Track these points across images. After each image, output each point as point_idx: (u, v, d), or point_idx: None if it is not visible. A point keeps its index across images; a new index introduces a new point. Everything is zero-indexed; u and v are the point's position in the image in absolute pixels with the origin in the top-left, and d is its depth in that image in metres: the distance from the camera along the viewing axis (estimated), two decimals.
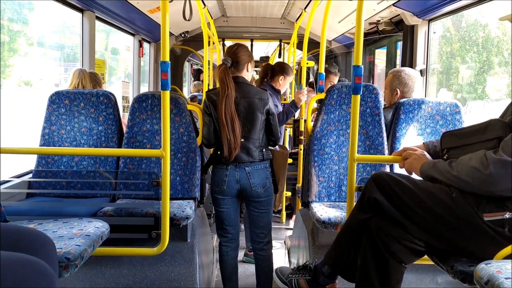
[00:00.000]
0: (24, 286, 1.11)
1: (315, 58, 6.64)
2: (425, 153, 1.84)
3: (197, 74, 9.68)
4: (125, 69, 6.72)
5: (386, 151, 2.81)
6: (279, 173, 2.85)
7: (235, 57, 2.63)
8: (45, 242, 1.40)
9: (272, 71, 3.89)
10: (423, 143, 1.98)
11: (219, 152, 2.65)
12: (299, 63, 6.78)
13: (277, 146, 2.97)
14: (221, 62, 2.64)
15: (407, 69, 3.02)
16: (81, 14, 3.83)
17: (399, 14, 3.79)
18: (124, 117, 4.05)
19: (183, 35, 6.22)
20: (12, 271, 1.11)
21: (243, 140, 2.60)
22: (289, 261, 3.55)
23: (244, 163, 2.62)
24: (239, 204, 2.80)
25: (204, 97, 4.61)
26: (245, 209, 2.99)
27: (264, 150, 2.69)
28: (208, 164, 2.85)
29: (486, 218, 1.52)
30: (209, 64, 4.74)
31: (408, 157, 1.85)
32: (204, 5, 3.98)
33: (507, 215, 1.51)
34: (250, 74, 2.73)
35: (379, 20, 4.19)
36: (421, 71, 3.73)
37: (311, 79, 6.08)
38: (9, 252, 1.18)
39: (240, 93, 2.58)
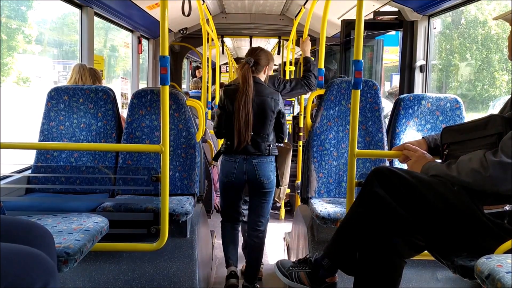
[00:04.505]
0: (24, 277, 1.10)
1: (314, 54, 6.63)
2: (425, 153, 1.85)
3: (193, 71, 9.66)
4: (123, 66, 6.71)
5: (386, 147, 2.81)
6: (282, 167, 3.09)
7: (257, 59, 2.84)
8: (44, 234, 1.39)
9: None
10: (423, 137, 1.98)
11: (228, 143, 2.85)
12: (298, 60, 6.77)
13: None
14: (244, 62, 2.84)
15: None
16: (79, 10, 3.82)
17: (398, 10, 3.78)
18: (123, 113, 4.03)
19: (182, 32, 6.20)
20: (11, 262, 1.10)
21: (253, 134, 2.79)
22: (288, 257, 3.55)
23: (251, 156, 2.82)
24: (242, 194, 3.01)
25: (202, 95, 4.65)
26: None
27: (271, 146, 2.86)
28: (218, 154, 3.03)
29: (486, 211, 1.52)
30: (208, 61, 4.72)
31: (409, 157, 1.87)
32: (203, 1, 3.97)
33: (507, 207, 1.52)
34: (265, 76, 2.97)
35: (377, 17, 4.18)
36: (420, 67, 3.72)
37: None
38: (8, 244, 1.17)
39: (255, 92, 2.79)
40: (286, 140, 3.29)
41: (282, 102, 2.92)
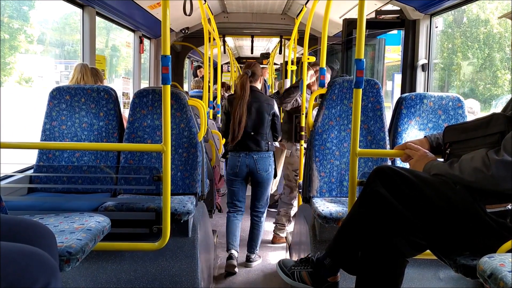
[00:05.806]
0: (26, 276, 1.10)
1: (315, 54, 6.62)
2: (427, 152, 1.84)
3: (194, 71, 9.64)
4: (125, 66, 6.71)
5: (388, 146, 2.80)
6: (278, 162, 3.75)
7: (253, 70, 3.48)
8: (46, 234, 1.39)
9: None
10: (425, 136, 1.98)
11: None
12: (299, 59, 6.76)
13: (277, 143, 3.91)
14: (243, 73, 3.48)
15: None
16: (81, 10, 3.82)
17: (400, 9, 3.77)
18: (125, 113, 4.04)
19: (183, 31, 6.21)
20: (13, 262, 1.10)
21: (253, 133, 3.42)
22: (290, 257, 3.55)
23: (252, 152, 3.45)
24: (246, 186, 3.62)
25: (204, 94, 4.69)
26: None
27: (269, 142, 3.49)
28: (226, 152, 3.62)
29: (489, 210, 1.52)
30: (209, 61, 4.72)
31: (411, 156, 1.86)
32: (205, 1, 3.97)
33: (509, 206, 1.51)
34: (261, 85, 3.64)
35: (379, 16, 4.17)
36: (422, 66, 3.72)
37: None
38: (10, 243, 1.17)
39: (253, 98, 3.43)
40: (280, 140, 3.90)
41: (277, 106, 3.56)
